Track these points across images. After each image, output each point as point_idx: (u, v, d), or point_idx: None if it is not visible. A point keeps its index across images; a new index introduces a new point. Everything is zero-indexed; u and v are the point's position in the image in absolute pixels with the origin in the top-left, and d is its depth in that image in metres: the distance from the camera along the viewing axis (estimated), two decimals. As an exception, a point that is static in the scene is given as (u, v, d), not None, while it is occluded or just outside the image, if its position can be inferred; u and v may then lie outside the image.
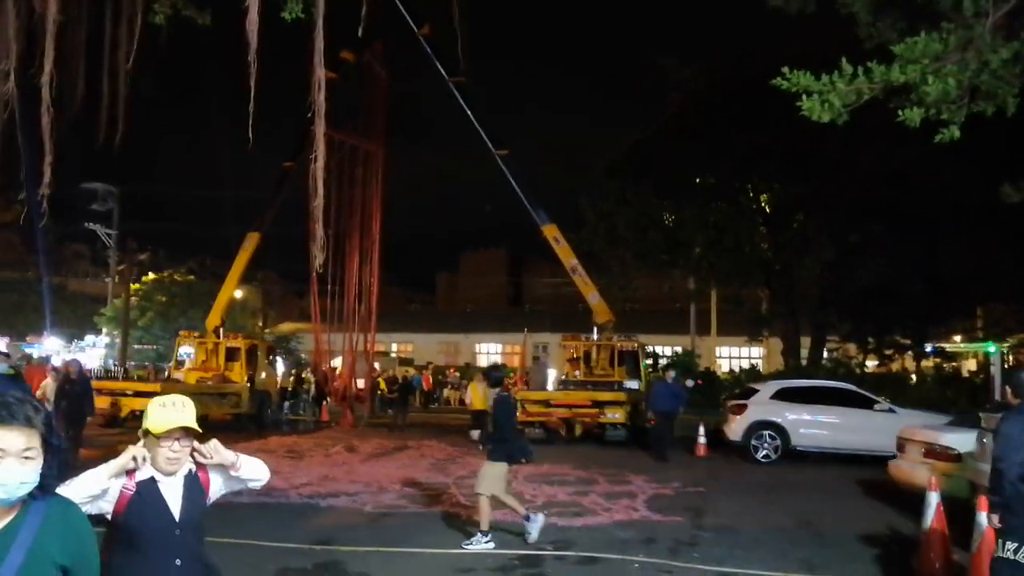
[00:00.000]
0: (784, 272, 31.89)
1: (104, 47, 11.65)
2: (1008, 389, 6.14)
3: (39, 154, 9.48)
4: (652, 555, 9.13)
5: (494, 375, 11.15)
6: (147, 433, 3.33)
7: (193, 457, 3.41)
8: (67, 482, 2.88)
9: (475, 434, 10.15)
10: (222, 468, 3.48)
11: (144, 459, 3.28)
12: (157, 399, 3.38)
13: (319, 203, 9.38)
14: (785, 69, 7.89)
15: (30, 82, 9.90)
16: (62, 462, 2.59)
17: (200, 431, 3.36)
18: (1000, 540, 5.53)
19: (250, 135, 8.80)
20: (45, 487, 2.52)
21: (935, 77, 7.63)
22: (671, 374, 19.86)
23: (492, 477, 9.53)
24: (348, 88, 26.85)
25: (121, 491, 3.26)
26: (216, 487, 3.54)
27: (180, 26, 12.26)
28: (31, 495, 2.49)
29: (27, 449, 2.43)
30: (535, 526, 9.54)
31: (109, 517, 3.28)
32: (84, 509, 2.93)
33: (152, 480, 3.32)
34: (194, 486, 3.42)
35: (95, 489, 3.17)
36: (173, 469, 3.35)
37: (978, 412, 11.49)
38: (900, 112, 7.83)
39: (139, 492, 3.28)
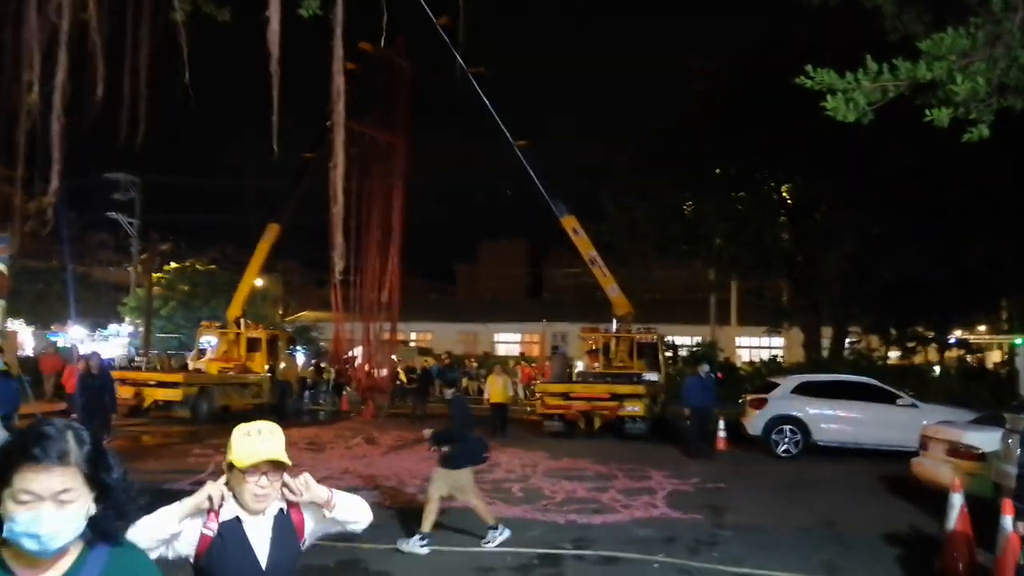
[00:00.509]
0: (806, 264, 31.67)
1: (125, 45, 11.68)
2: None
3: (48, 163, 9.49)
4: (672, 554, 9.11)
5: (449, 375, 11.08)
6: (231, 467, 2.95)
7: (283, 494, 3.01)
8: (134, 525, 2.48)
9: (427, 432, 9.97)
10: (315, 507, 3.07)
11: (222, 498, 2.93)
12: (242, 427, 3.00)
13: (339, 210, 9.25)
14: (809, 67, 7.77)
15: (50, 80, 9.92)
16: (125, 500, 2.22)
17: (290, 464, 2.96)
18: (1026, 549, 5.49)
19: (275, 146, 8.70)
20: (103, 533, 2.18)
21: (963, 75, 7.50)
22: (704, 367, 19.53)
23: (469, 483, 9.51)
24: (370, 78, 26.76)
25: (201, 534, 2.92)
26: (310, 528, 3.13)
27: (200, 21, 12.28)
28: (88, 543, 2.16)
29: (63, 491, 2.06)
30: (418, 547, 9.17)
31: (192, 561, 2.96)
32: (157, 554, 2.74)
33: (236, 520, 2.96)
34: (285, 527, 3.03)
35: (164, 533, 2.82)
36: (260, 507, 2.97)
37: (1003, 412, 11.40)
38: (928, 112, 7.70)
39: (221, 534, 2.93)
